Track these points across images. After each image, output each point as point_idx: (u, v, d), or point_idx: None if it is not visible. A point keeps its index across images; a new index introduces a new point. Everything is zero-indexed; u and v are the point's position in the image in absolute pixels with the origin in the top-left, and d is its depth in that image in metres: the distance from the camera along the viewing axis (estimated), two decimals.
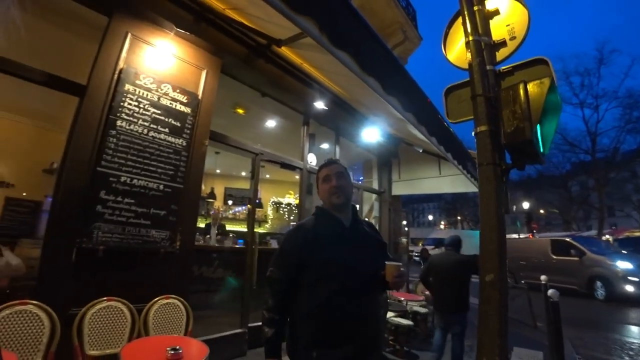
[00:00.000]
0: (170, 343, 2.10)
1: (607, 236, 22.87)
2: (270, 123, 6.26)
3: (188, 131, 3.59)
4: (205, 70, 3.82)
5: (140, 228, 3.13)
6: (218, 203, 8.96)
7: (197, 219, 3.87)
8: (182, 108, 3.57)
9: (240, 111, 5.50)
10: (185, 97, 3.60)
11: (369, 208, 7.88)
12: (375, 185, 7.82)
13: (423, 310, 5.25)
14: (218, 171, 9.36)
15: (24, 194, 6.31)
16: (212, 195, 8.43)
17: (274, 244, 6.67)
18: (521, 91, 1.73)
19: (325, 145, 6.75)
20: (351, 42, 1.96)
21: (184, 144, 3.55)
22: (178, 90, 3.55)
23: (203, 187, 8.24)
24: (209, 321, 4.10)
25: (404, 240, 8.53)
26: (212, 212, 7.82)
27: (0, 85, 4.03)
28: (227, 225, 7.93)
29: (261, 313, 1.51)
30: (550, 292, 3.98)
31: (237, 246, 6.15)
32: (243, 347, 4.00)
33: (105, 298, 2.60)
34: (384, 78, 2.30)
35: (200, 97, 3.73)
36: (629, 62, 26.41)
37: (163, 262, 3.23)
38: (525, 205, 28.66)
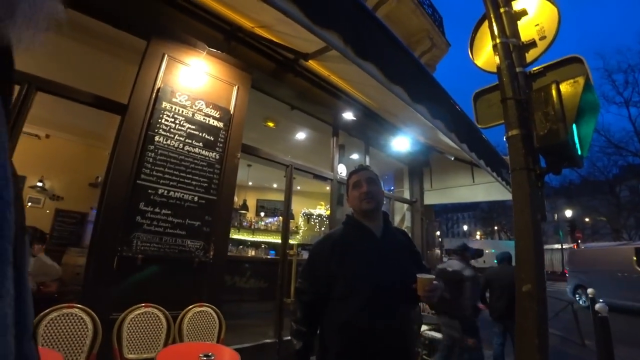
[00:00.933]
0: (203, 350, 2.16)
1: None
2: (300, 135, 6.37)
3: (221, 145, 3.74)
4: (236, 86, 3.99)
5: (176, 238, 3.27)
6: (250, 214, 9.16)
7: (230, 230, 3.98)
8: (215, 123, 3.73)
9: (271, 124, 5.65)
10: (218, 113, 3.76)
11: (400, 218, 7.74)
12: (407, 195, 7.68)
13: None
14: (250, 183, 9.60)
15: (72, 206, 6.80)
16: (244, 207, 8.64)
17: (305, 255, 6.70)
18: (554, 91, 1.66)
19: (355, 156, 6.75)
20: (376, 52, 1.98)
21: (217, 157, 3.70)
22: (211, 106, 3.72)
23: (236, 199, 8.48)
24: (242, 330, 4.17)
25: (437, 251, 8.28)
26: (244, 224, 8.00)
27: (54, 106, 4.42)
28: (259, 237, 8.08)
29: (290, 324, 1.51)
30: (598, 306, 3.70)
31: (269, 257, 6.26)
32: (275, 357, 4.01)
33: (143, 304, 2.72)
34: (411, 86, 2.29)
35: (232, 111, 3.89)
36: None
37: (197, 271, 3.35)
38: (568, 213, 26.86)
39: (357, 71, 2.51)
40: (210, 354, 2.09)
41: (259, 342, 3.97)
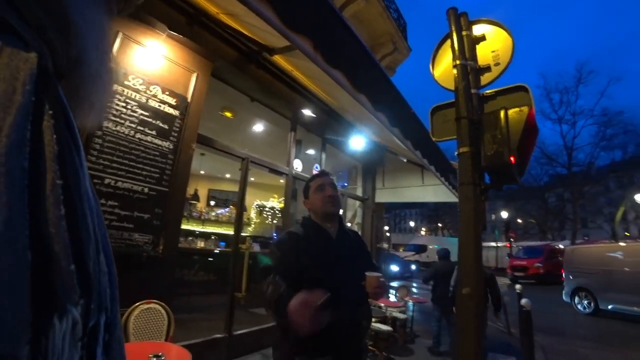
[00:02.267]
0: (152, 349, 2.10)
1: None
2: (258, 127, 6.28)
3: (175, 134, 3.58)
4: (195, 73, 3.82)
5: (123, 232, 3.09)
6: (201, 204, 8.87)
7: (181, 223, 3.85)
8: (171, 110, 3.55)
9: (229, 115, 5.50)
10: (174, 100, 3.59)
11: (352, 214, 7.96)
12: (360, 192, 7.92)
13: (402, 316, 5.37)
14: (202, 172, 9.29)
15: None
16: (195, 197, 8.35)
17: (257, 247, 6.66)
18: (502, 117, 1.83)
19: (311, 152, 6.80)
20: (346, 61, 2.02)
21: (171, 147, 3.54)
22: (167, 93, 3.53)
23: (188, 188, 8.17)
24: (192, 325, 4.08)
25: (385, 245, 8.65)
26: (194, 214, 7.74)
27: None
28: (209, 227, 7.87)
29: (262, 294, 1.42)
30: (523, 301, 4.16)
31: (220, 249, 6.13)
32: (225, 352, 3.98)
33: None
34: (375, 95, 2.37)
35: (189, 100, 3.73)
36: (605, 82, 28.07)
37: (146, 266, 3.21)
38: (504, 214, 29.66)
39: (322, 71, 2.54)
40: (160, 353, 2.03)
41: (210, 337, 3.91)
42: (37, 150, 0.28)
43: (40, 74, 0.30)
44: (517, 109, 1.87)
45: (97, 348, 0.31)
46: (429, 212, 49.38)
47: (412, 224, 57.49)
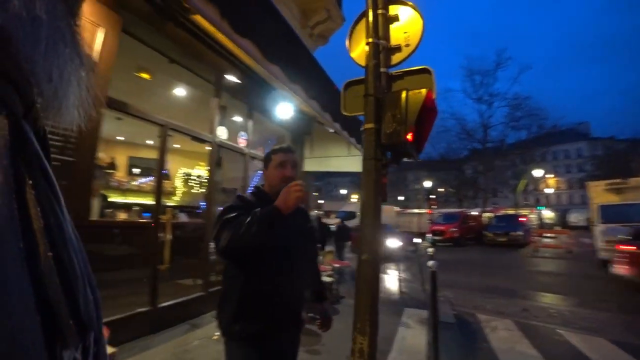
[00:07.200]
0: None
1: (489, 213, 27.39)
2: (180, 92, 5.87)
3: None
4: (102, 28, 3.41)
5: None
6: (120, 173, 8.20)
7: (91, 194, 3.57)
8: None
9: (145, 76, 5.05)
10: None
11: None
12: None
13: (329, 279, 5.78)
14: (121, 138, 8.52)
15: None
16: (112, 166, 7.67)
17: (183, 218, 6.45)
18: (403, 97, 1.99)
19: (237, 119, 6.58)
20: (256, 30, 1.98)
21: None
22: None
23: (103, 156, 7.45)
24: (112, 302, 3.90)
25: (316, 212, 8.97)
26: (113, 184, 7.17)
27: None
28: (131, 198, 7.38)
29: (234, 233, 1.38)
30: (430, 263, 4.73)
31: (144, 220, 5.81)
32: (150, 326, 3.93)
33: None
34: (289, 67, 2.37)
35: (95, 58, 3.35)
36: (517, 70, 31.69)
37: None
38: (428, 183, 32.42)
39: None
40: None
41: (131, 312, 3.81)
42: (27, 227, 0.32)
43: (13, 136, 0.32)
44: (416, 91, 2.03)
45: (88, 358, 0.39)
46: (358, 180, 51.52)
47: (344, 191, 59.69)
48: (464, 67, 32.50)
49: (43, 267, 0.33)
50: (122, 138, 8.52)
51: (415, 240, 11.87)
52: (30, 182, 0.34)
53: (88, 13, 3.29)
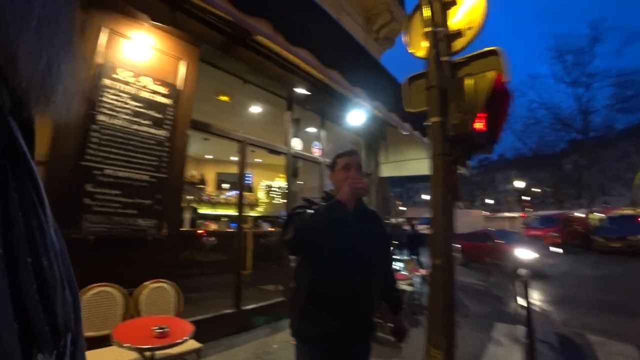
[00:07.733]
0: (158, 323, 2.29)
1: (598, 214, 23.30)
2: (255, 109, 6.32)
3: (169, 122, 3.69)
4: (183, 60, 3.87)
5: (128, 218, 3.28)
6: (210, 188, 9.09)
7: (182, 206, 4.02)
8: (163, 100, 3.65)
9: (225, 98, 5.55)
10: (165, 89, 3.68)
11: None
12: (363, 167, 7.90)
13: (409, 288, 5.51)
14: (209, 157, 9.45)
15: None
16: (202, 182, 8.56)
17: (265, 227, 6.87)
18: (466, 84, 1.84)
19: (311, 129, 6.80)
20: (310, 38, 2.03)
21: (167, 134, 3.66)
22: (158, 82, 3.62)
23: (195, 173, 8.36)
24: (202, 303, 4.33)
25: (393, 221, 8.72)
26: (204, 198, 7.97)
27: None
28: (220, 210, 8.11)
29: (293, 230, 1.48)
30: (521, 271, 4.24)
31: (230, 230, 6.34)
32: (234, 327, 4.23)
33: (95, 284, 2.77)
34: (349, 70, 2.38)
35: (180, 87, 3.80)
36: (621, 42, 26.42)
37: (152, 248, 3.41)
38: (519, 184, 28.88)
39: None
40: (164, 326, 2.22)
41: (218, 313, 4.16)
42: (8, 233, 0.31)
43: None
44: (481, 75, 1.86)
45: (64, 358, 0.38)
46: None
47: (426, 197, 56.95)
48: (552, 49, 28.72)
49: (21, 273, 0.31)
50: (210, 156, 9.42)
51: (555, 249, 9.86)
52: (14, 185, 0.32)
53: (170, 49, 3.78)
